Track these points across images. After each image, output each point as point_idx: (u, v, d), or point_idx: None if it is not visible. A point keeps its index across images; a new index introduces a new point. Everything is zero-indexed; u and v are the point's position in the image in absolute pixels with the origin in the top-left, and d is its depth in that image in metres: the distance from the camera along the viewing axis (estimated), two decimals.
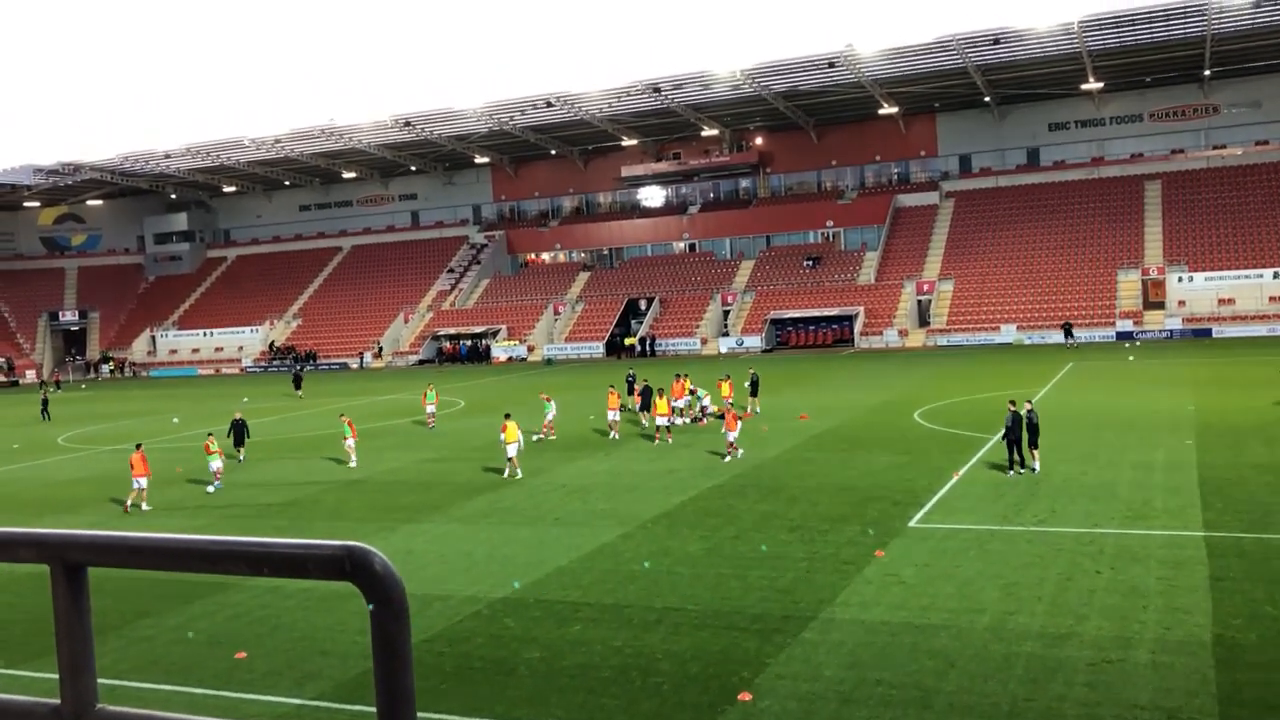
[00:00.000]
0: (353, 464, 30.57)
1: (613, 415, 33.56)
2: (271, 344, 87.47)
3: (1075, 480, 23.05)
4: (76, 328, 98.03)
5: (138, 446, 26.96)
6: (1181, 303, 64.71)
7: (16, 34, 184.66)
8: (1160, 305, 65.59)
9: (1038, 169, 78.92)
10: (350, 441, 31.08)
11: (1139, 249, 69.70)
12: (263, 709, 12.71)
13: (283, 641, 15.30)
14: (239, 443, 32.43)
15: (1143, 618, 14.14)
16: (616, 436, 33.03)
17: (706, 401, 36.28)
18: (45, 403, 52.97)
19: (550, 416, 34.53)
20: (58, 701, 1.67)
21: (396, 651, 1.48)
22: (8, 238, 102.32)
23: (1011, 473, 23.76)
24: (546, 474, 27.85)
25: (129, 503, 26.33)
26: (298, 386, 57.35)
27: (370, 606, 1.49)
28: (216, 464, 28.12)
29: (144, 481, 26.13)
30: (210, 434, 29.77)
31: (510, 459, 27.50)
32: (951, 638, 13.77)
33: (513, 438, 27.55)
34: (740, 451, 28.19)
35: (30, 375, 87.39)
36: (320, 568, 1.50)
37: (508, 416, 28.50)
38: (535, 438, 33.70)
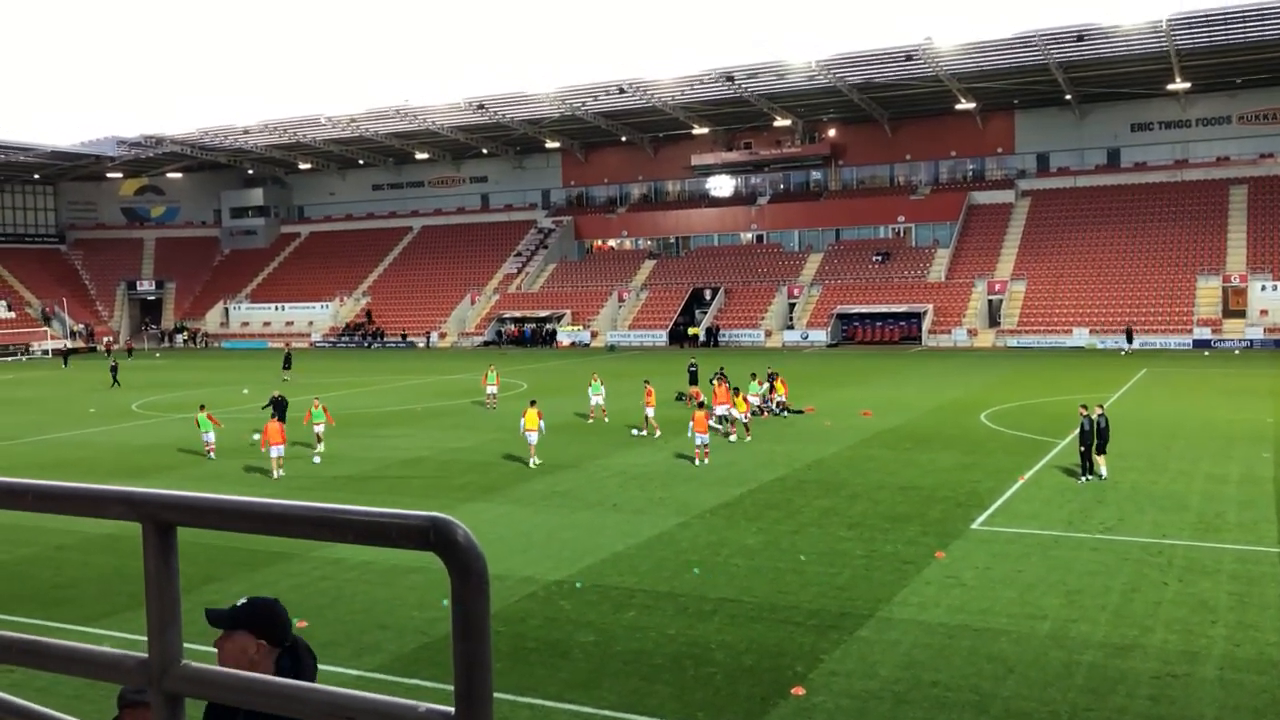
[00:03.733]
0: (318, 453, 29.38)
1: (650, 412, 31.94)
2: (368, 313, 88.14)
3: (1145, 489, 22.56)
4: (153, 297, 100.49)
5: (274, 416, 27.56)
6: (1264, 312, 62.84)
7: (105, 9, 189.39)
8: (1241, 314, 63.76)
9: (1118, 170, 77.10)
10: (319, 428, 29.90)
11: (1220, 255, 67.80)
12: (321, 679, 12.94)
13: (343, 613, 15.57)
14: (279, 419, 32.41)
15: (1211, 632, 13.80)
16: (658, 434, 31.30)
17: (732, 412, 33.28)
18: (115, 369, 54.32)
19: (596, 401, 35.20)
20: (145, 655, 1.71)
21: (476, 624, 1.49)
22: (90, 207, 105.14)
23: (1083, 479, 23.32)
24: (605, 460, 27.96)
25: (275, 473, 26.73)
26: (287, 366, 55.67)
27: (451, 578, 1.50)
28: (210, 435, 29.61)
29: (281, 449, 26.74)
30: (202, 405, 30.86)
31: (530, 445, 27.56)
32: (1011, 643, 13.57)
33: (532, 425, 27.53)
34: (707, 460, 26.58)
35: (105, 342, 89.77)
36: (404, 537, 1.51)
37: (532, 403, 28.69)
38: (590, 420, 34.67)
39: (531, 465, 27.11)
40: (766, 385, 36.14)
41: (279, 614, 2.89)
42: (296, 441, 30.29)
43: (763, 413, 35.23)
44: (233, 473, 27.77)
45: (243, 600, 2.97)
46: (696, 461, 26.74)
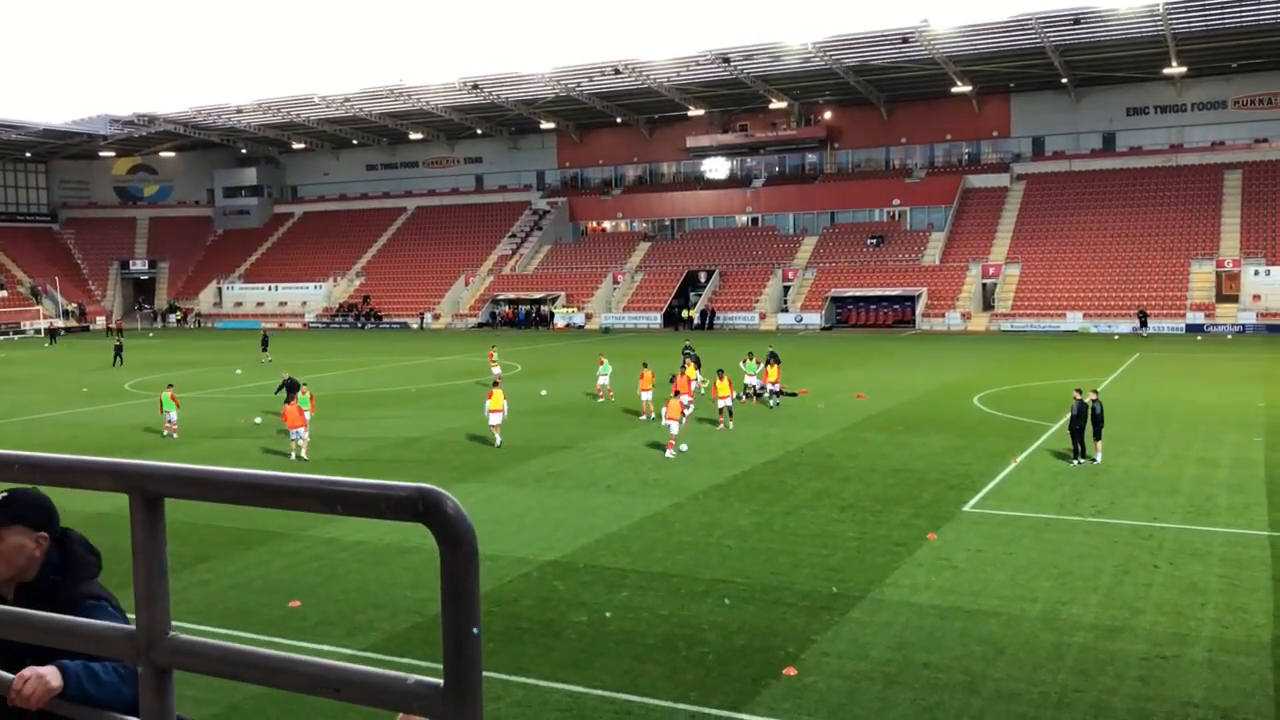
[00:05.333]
0: (303, 452, 26.57)
1: (646, 396, 31.58)
2: (365, 297, 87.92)
3: (1136, 472, 22.64)
4: (146, 277, 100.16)
5: (290, 399, 26.95)
6: (1256, 297, 62.96)
7: None
8: (1234, 299, 63.89)
9: (1113, 154, 77.03)
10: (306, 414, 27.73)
11: (1214, 240, 67.86)
12: (314, 657, 12.97)
13: (336, 592, 15.59)
14: (290, 400, 32.46)
15: (1200, 615, 13.88)
16: (649, 417, 30.95)
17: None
18: (118, 349, 54.39)
19: (603, 381, 35.56)
20: (133, 627, 1.70)
21: (465, 594, 1.48)
22: (83, 186, 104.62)
23: (1075, 462, 23.40)
24: (599, 441, 27.98)
25: (293, 455, 26.34)
26: (264, 348, 54.76)
27: (440, 549, 1.49)
28: (173, 415, 29.73)
29: (304, 432, 26.33)
30: (170, 385, 31.13)
31: (492, 426, 27.47)
32: (1002, 625, 13.64)
33: (497, 406, 27.45)
34: (685, 446, 25.96)
35: (100, 321, 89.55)
36: (393, 508, 1.51)
37: (495, 385, 28.61)
38: (600, 400, 35.01)
39: (497, 445, 27.12)
40: (763, 365, 34.86)
41: (48, 500, 2.65)
42: (282, 430, 30.09)
43: (753, 397, 34.38)
44: (227, 452, 27.72)
45: (1, 494, 2.65)
46: (668, 452, 25.67)
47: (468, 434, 29.55)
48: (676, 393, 28.47)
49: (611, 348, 55.04)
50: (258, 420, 32.44)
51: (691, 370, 33.28)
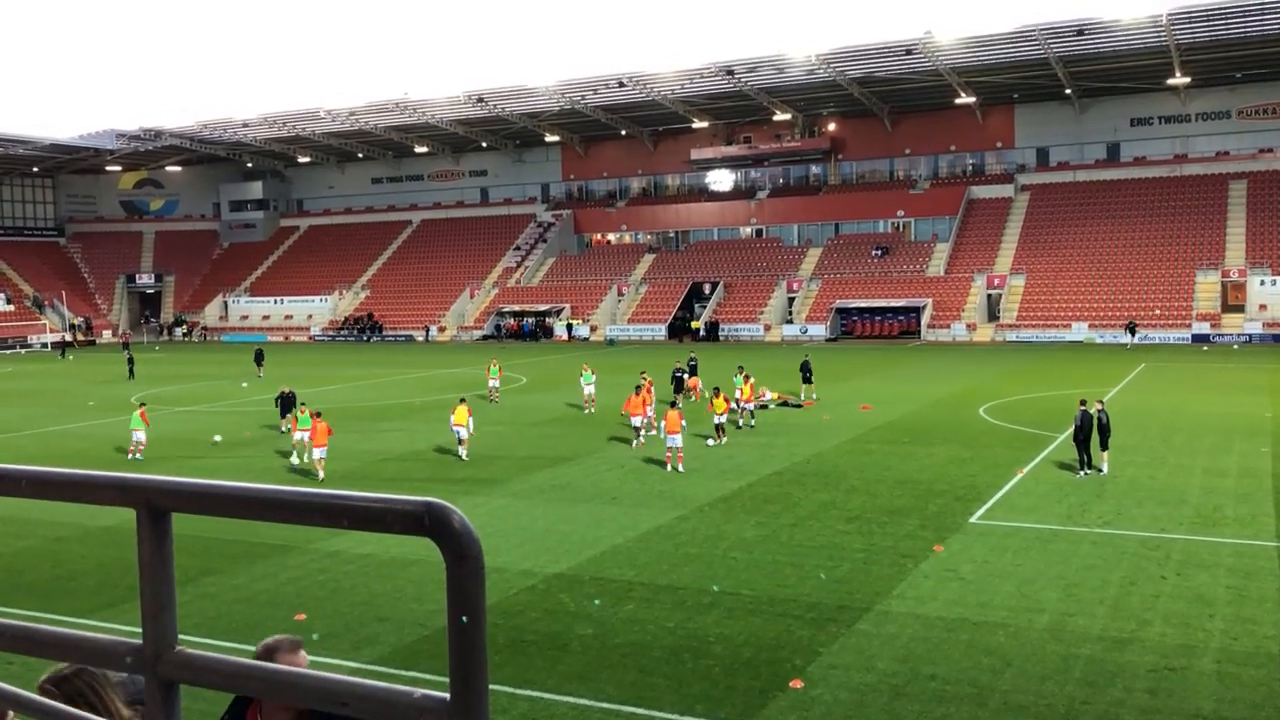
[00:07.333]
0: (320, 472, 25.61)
1: (637, 421, 28.85)
2: (369, 314, 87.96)
3: (1143, 483, 22.57)
4: (152, 290, 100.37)
5: (317, 415, 25.91)
6: (1263, 306, 62.84)
7: (104, 2, 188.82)
8: (1240, 308, 63.77)
9: (1117, 165, 77.01)
10: (302, 435, 26.37)
11: (1220, 250, 67.78)
12: (320, 670, 12.93)
13: (342, 605, 15.58)
14: (286, 413, 31.84)
15: (1208, 626, 13.82)
16: (654, 431, 28.96)
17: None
18: (131, 361, 54.55)
19: (589, 390, 35.63)
20: (139, 642, 1.70)
21: (471, 607, 1.48)
22: (89, 200, 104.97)
23: (1081, 473, 23.32)
24: (604, 453, 27.96)
25: (321, 475, 25.36)
26: (259, 364, 53.22)
27: (446, 562, 1.49)
28: (140, 435, 28.58)
29: (322, 451, 25.39)
30: (143, 403, 30.72)
31: (461, 440, 27.45)
32: (1009, 636, 13.59)
33: (461, 420, 27.38)
34: (680, 466, 25.19)
35: (107, 335, 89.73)
36: (399, 522, 1.51)
37: (462, 400, 28.58)
38: (587, 411, 35.07)
39: (463, 458, 27.18)
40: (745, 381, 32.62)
41: None
42: (281, 450, 30.02)
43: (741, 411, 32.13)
44: (233, 467, 27.73)
45: None
46: (668, 467, 25.31)
47: (471, 446, 29.50)
48: (674, 404, 28.32)
49: (616, 359, 55.05)
50: (217, 439, 31.28)
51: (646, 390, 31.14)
